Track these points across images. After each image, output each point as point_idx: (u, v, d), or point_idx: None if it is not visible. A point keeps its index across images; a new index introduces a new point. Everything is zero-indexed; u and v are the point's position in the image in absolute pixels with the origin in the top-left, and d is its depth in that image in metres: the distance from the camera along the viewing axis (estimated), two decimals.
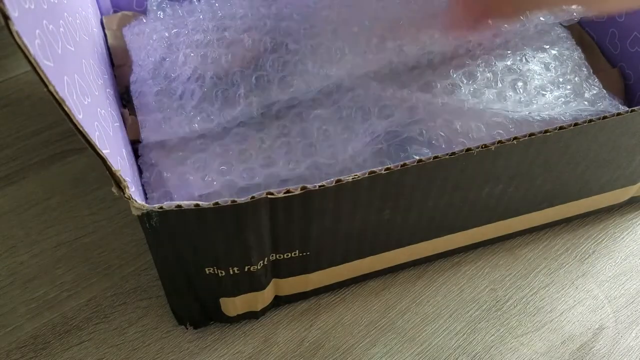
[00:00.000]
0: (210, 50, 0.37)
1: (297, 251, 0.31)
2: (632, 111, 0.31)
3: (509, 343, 0.36)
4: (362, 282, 0.38)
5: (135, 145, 0.36)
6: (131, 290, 0.37)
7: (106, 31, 0.42)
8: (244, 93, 0.35)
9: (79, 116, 0.22)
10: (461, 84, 0.37)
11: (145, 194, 0.34)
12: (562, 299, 0.38)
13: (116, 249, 0.39)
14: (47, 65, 0.19)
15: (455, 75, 0.37)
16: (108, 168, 0.23)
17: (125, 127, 0.35)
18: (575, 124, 0.30)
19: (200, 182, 0.33)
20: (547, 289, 0.39)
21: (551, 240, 0.41)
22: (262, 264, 0.30)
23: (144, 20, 0.40)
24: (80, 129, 0.21)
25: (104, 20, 0.42)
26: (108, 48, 0.41)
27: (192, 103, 0.35)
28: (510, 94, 0.37)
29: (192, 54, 0.37)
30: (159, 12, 0.40)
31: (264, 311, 0.36)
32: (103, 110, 0.27)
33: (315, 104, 0.36)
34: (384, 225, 0.32)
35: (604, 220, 0.42)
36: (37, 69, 0.18)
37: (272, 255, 0.30)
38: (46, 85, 0.19)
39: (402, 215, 0.32)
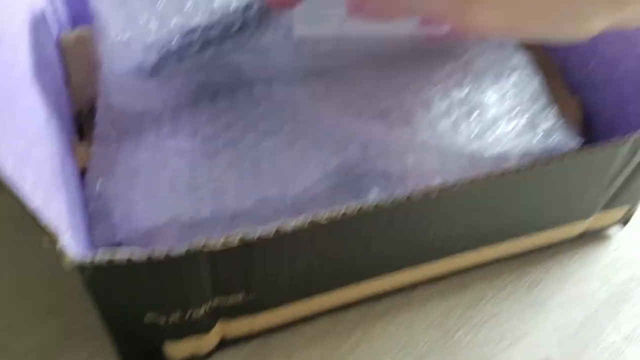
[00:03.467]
0: None
1: (241, 295, 0.30)
2: (575, 152, 0.31)
3: None
4: (313, 320, 0.38)
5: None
6: (80, 329, 0.37)
7: (63, 48, 0.41)
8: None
9: (9, 165, 0.21)
10: (417, 114, 0.37)
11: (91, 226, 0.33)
12: (510, 329, 0.39)
13: (57, 292, 0.38)
14: None
15: (412, 104, 0.37)
16: (38, 222, 0.22)
17: (74, 156, 0.35)
18: (518, 170, 0.30)
19: (145, 216, 0.32)
20: (496, 318, 0.39)
21: (501, 268, 0.42)
22: (204, 310, 0.30)
23: None
24: (8, 185, 0.21)
25: (62, 38, 0.41)
26: (62, 66, 0.40)
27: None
28: (464, 125, 0.37)
29: None
30: None
31: (210, 354, 0.35)
32: (40, 150, 0.26)
33: (268, 134, 0.36)
34: (329, 267, 0.32)
35: (554, 247, 0.43)
36: None
37: (215, 300, 0.30)
38: None
39: (346, 259, 0.32)
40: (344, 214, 0.28)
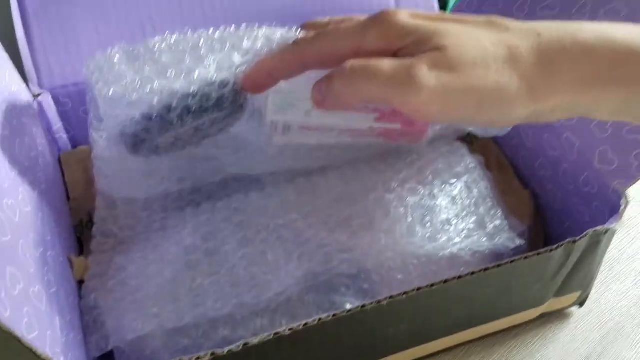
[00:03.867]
0: None
1: None
2: (511, 262, 0.35)
3: None
4: None
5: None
6: None
7: (63, 167, 0.46)
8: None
9: (5, 315, 0.25)
10: (377, 220, 0.41)
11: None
12: None
13: None
14: None
15: (372, 211, 0.41)
16: (34, 353, 0.26)
17: (73, 271, 0.39)
18: (459, 277, 0.34)
19: (133, 326, 0.36)
20: None
21: (469, 350, 0.45)
22: None
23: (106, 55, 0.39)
24: (5, 329, 0.25)
25: (61, 157, 0.46)
26: (65, 183, 0.45)
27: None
28: (419, 229, 0.41)
29: None
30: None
31: None
32: (37, 287, 0.30)
33: (243, 244, 0.40)
34: None
35: (517, 328, 0.46)
36: None
37: None
38: None
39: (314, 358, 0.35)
40: (305, 325, 0.32)
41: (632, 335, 0.46)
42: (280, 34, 0.36)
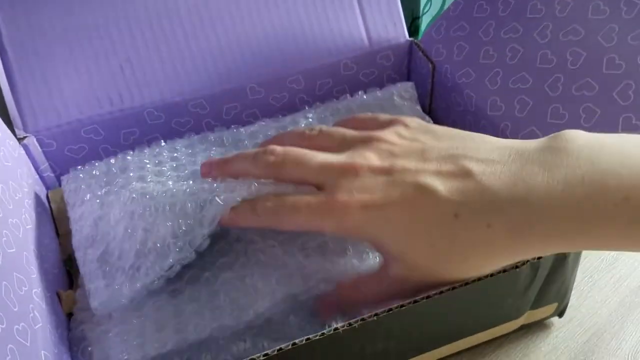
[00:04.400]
0: (137, 206, 0.42)
1: None
2: (478, 280, 0.36)
3: None
4: None
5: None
6: None
7: (51, 204, 0.48)
8: (173, 241, 0.41)
9: None
10: (351, 246, 0.42)
11: None
12: None
13: None
14: None
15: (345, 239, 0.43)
16: None
17: (61, 305, 0.41)
18: (428, 296, 0.35)
19: (118, 357, 0.38)
20: None
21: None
22: None
23: (81, 175, 0.45)
24: None
25: (49, 195, 0.48)
26: (53, 219, 0.47)
27: (130, 262, 0.41)
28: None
29: (121, 213, 0.42)
30: (94, 171, 0.46)
31: None
32: (22, 324, 0.32)
33: (223, 269, 0.42)
34: None
35: (500, 339, 0.47)
36: None
37: None
38: None
39: None
40: (279, 350, 0.33)
41: (613, 342, 0.47)
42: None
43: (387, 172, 0.36)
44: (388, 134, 0.39)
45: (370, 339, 0.37)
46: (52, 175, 0.49)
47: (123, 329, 0.39)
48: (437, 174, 0.35)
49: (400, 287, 0.37)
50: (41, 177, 0.47)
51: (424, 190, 0.34)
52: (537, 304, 0.44)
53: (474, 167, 0.34)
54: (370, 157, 0.37)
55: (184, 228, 0.41)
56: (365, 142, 0.38)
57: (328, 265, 0.41)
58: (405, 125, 0.39)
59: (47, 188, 0.48)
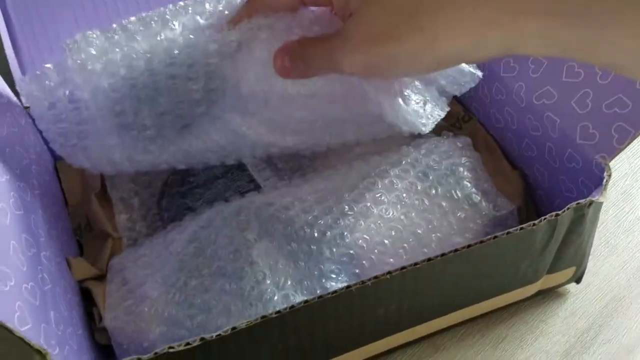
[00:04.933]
0: None
1: None
2: (494, 237, 0.35)
3: None
4: None
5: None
6: None
7: (60, 174, 0.47)
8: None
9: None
10: (366, 204, 0.41)
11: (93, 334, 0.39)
12: None
13: None
14: None
15: (361, 196, 0.42)
16: (27, 344, 0.28)
17: (71, 272, 0.40)
18: (443, 255, 0.34)
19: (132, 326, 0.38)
20: None
21: (468, 328, 0.45)
22: None
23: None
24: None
25: (57, 166, 0.48)
26: (62, 190, 0.46)
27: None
28: (409, 211, 0.41)
29: None
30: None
31: None
32: (30, 283, 0.31)
33: (232, 240, 0.41)
34: (289, 355, 0.36)
35: (515, 305, 0.46)
36: None
37: None
38: None
39: (305, 344, 0.36)
40: (291, 307, 0.32)
41: (632, 307, 0.46)
42: None
43: None
44: None
45: (384, 300, 0.37)
46: None
47: (137, 301, 0.39)
48: None
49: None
50: (48, 149, 0.47)
51: None
52: (554, 268, 0.43)
53: None
54: None
55: None
56: None
57: (341, 229, 0.40)
58: None
59: (55, 159, 0.48)
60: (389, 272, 0.34)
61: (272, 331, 0.34)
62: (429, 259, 0.34)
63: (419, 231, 0.41)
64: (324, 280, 0.39)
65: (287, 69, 0.35)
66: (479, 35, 0.29)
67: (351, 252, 0.40)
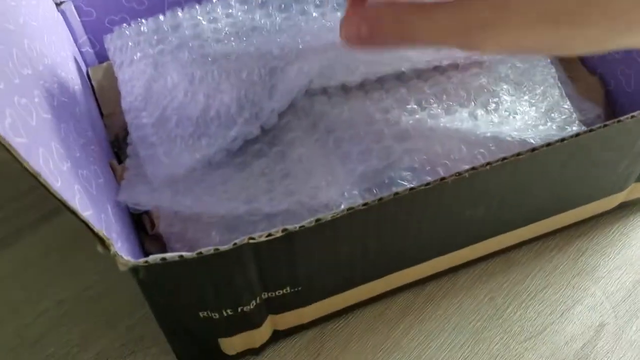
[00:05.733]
0: (197, 69, 0.37)
1: (288, 288, 0.31)
2: (604, 126, 0.31)
3: (513, 350, 0.37)
4: (360, 309, 0.39)
5: None
6: (138, 339, 0.38)
7: (93, 82, 0.43)
8: (237, 111, 0.36)
9: (57, 184, 0.22)
10: (434, 102, 0.37)
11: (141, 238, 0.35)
12: (561, 300, 0.39)
13: (119, 299, 0.39)
14: (19, 143, 0.20)
15: (428, 91, 0.38)
16: (90, 229, 0.24)
17: (116, 177, 0.36)
18: (548, 144, 0.30)
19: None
20: (544, 291, 0.39)
21: (544, 242, 0.42)
22: (254, 304, 0.30)
23: (127, 33, 0.40)
24: (59, 197, 0.22)
25: (90, 72, 0.43)
26: (96, 99, 0.42)
27: (189, 130, 0.36)
28: (482, 113, 0.37)
29: (179, 76, 0.37)
30: (142, 27, 0.40)
31: (263, 347, 0.36)
32: (85, 171, 0.27)
33: (294, 145, 0.37)
34: (372, 256, 0.33)
35: (594, 219, 0.43)
36: (9, 148, 0.19)
37: (264, 294, 0.31)
38: (20, 163, 0.20)
39: (388, 245, 0.32)
40: (380, 200, 0.28)
41: None
42: None
43: None
44: None
45: (472, 200, 0.33)
46: (92, 51, 0.44)
47: (187, 200, 0.35)
48: None
49: None
50: (80, 53, 0.42)
51: None
52: None
53: None
54: None
55: (251, 98, 0.36)
56: None
57: (411, 130, 0.36)
58: None
59: (87, 65, 0.43)
60: (488, 163, 0.30)
61: (354, 227, 0.30)
62: (533, 149, 0.30)
63: (500, 137, 0.37)
64: (393, 188, 0.35)
65: (362, 38, 0.29)
66: None
67: (424, 157, 0.36)
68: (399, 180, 0.35)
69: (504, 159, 0.30)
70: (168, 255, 0.24)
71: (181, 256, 0.24)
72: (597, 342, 0.37)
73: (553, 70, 0.40)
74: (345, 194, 0.34)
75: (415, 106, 0.37)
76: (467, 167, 0.35)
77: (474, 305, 0.39)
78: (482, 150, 0.36)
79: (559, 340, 0.37)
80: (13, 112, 0.21)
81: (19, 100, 0.22)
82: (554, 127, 0.37)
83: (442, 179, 0.29)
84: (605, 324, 0.38)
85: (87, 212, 0.24)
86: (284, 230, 0.27)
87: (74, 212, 0.22)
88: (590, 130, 0.31)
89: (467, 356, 0.37)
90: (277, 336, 0.37)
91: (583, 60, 0.45)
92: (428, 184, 0.29)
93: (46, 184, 0.21)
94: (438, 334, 0.37)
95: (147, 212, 0.35)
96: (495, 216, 0.35)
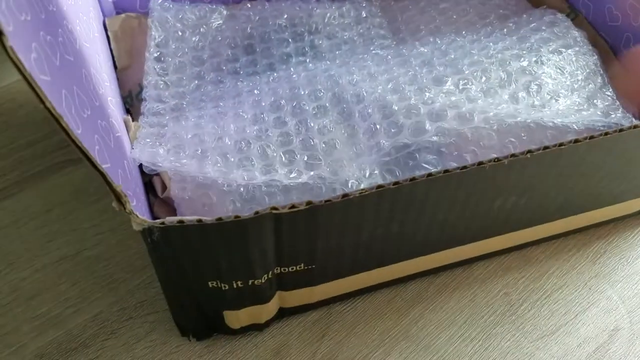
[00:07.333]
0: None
1: (302, 264, 0.30)
2: (634, 127, 0.30)
3: (525, 348, 0.36)
4: (370, 293, 0.37)
5: None
6: (138, 304, 0.36)
7: (109, 33, 0.41)
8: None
9: (78, 131, 0.21)
10: (474, 81, 0.36)
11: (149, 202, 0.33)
12: (576, 300, 0.38)
13: (120, 262, 0.38)
14: (43, 80, 0.19)
15: (467, 72, 0.36)
16: (108, 183, 0.22)
17: (129, 134, 0.34)
18: (591, 137, 0.29)
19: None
20: (560, 291, 0.38)
21: (562, 242, 0.40)
22: (266, 278, 0.29)
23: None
24: (80, 145, 0.20)
25: (106, 22, 0.41)
26: (111, 51, 0.40)
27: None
28: (524, 95, 0.36)
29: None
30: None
31: (268, 323, 0.35)
32: (104, 122, 0.26)
33: (320, 113, 0.35)
34: (392, 239, 0.31)
35: (614, 222, 0.42)
36: (33, 85, 0.17)
37: (277, 269, 0.29)
38: (43, 102, 0.18)
39: (411, 229, 0.31)
40: (412, 179, 0.27)
41: None
42: None
43: None
44: None
45: (506, 189, 0.31)
46: (110, 1, 0.42)
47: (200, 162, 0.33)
48: None
49: None
50: (99, 2, 0.40)
51: None
52: None
53: None
54: None
55: None
56: None
57: (444, 108, 0.34)
58: None
59: (104, 15, 0.41)
60: (529, 151, 0.28)
61: (381, 207, 0.28)
62: (576, 140, 0.29)
63: (530, 122, 0.35)
64: (417, 172, 0.34)
65: None
66: None
67: (452, 140, 0.34)
68: (423, 164, 0.34)
69: (546, 147, 0.29)
70: (186, 218, 0.23)
71: (200, 220, 0.23)
72: (610, 346, 0.36)
73: (595, 57, 0.38)
74: (367, 172, 0.33)
75: (452, 87, 0.35)
76: (495, 155, 0.34)
77: (488, 299, 0.37)
78: (512, 139, 0.35)
79: (571, 342, 0.36)
80: (39, 47, 0.19)
81: (44, 37, 0.21)
82: (598, 113, 0.36)
83: (480, 163, 0.28)
84: (620, 329, 0.37)
85: (105, 165, 0.22)
86: (309, 203, 0.25)
87: (93, 163, 0.21)
88: (635, 127, 0.30)
89: (477, 350, 0.35)
90: (283, 313, 0.35)
91: (619, 57, 0.43)
92: (465, 167, 0.28)
93: (68, 128, 0.19)
94: (449, 326, 0.36)
95: (158, 174, 0.34)
96: (522, 209, 0.34)
